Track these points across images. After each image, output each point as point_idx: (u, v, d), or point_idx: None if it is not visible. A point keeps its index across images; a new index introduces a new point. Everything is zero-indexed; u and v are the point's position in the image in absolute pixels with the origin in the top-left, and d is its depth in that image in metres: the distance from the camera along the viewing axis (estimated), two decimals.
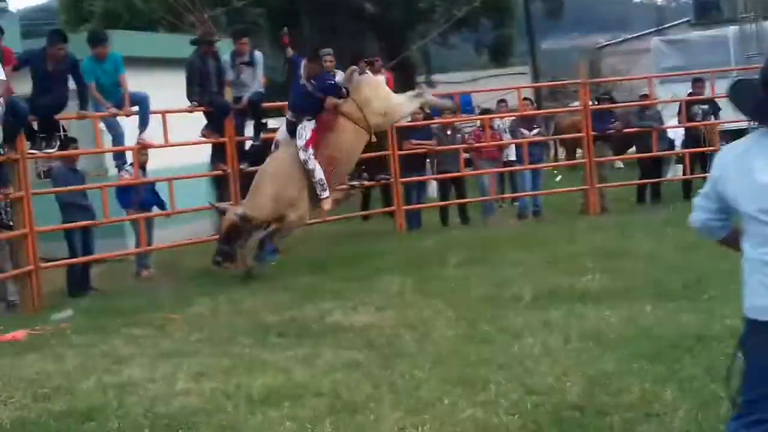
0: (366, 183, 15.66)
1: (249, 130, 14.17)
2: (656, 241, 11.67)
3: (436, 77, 40.56)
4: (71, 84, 11.78)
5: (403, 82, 31.97)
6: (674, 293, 8.66)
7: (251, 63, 13.39)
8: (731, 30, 23.60)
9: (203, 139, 13.35)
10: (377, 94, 12.70)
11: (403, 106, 13.20)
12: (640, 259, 10.55)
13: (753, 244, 3.93)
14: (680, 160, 17.78)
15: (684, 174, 16.89)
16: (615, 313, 8.05)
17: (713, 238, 4.36)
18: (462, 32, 38.68)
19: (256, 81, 13.45)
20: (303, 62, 12.27)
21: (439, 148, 15.61)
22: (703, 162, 16.76)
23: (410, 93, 13.59)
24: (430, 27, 35.89)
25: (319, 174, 11.87)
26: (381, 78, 13.35)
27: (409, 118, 15.50)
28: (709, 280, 9.05)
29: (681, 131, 17.38)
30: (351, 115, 12.31)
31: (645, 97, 17.36)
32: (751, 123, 3.87)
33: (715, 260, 9.92)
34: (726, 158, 3.98)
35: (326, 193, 11.97)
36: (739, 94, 3.99)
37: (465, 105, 22.69)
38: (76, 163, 12.64)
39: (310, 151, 11.85)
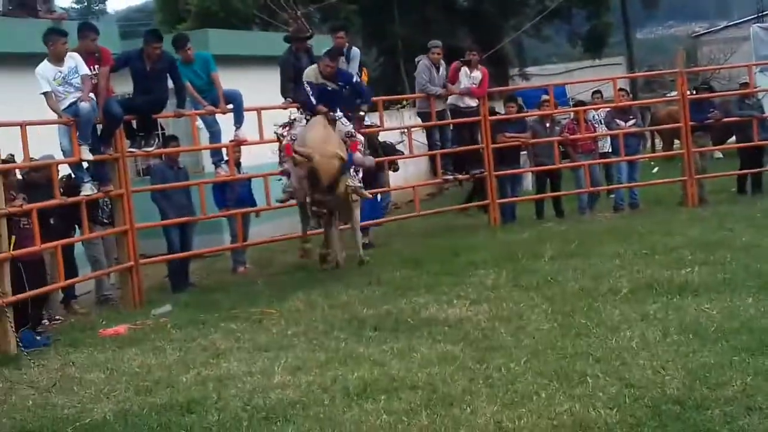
0: (461, 177, 15.63)
1: None
2: (757, 232, 11.42)
3: (530, 70, 40.28)
4: (170, 83, 11.98)
5: (497, 76, 31.89)
6: None
7: (347, 58, 13.39)
8: None
9: None
10: None
11: None
12: (740, 250, 10.33)
13: None
14: None
15: None
16: (715, 306, 7.92)
17: None
18: (555, 23, 38.36)
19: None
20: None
21: (533, 141, 15.49)
22: None
23: None
24: (523, 19, 35.68)
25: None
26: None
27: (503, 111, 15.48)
28: None
29: None
30: None
31: (745, 85, 16.97)
32: None
33: None
34: None
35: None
36: None
37: (559, 96, 22.44)
38: (178, 160, 12.86)
39: None
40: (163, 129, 13.94)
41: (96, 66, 10.85)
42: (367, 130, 13.51)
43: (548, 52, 54.31)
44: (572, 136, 15.77)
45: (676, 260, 10.07)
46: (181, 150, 13.30)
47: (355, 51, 13.65)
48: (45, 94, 10.31)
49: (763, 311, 7.60)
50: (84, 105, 10.36)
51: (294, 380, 6.91)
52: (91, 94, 10.59)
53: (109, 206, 11.76)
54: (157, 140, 12.16)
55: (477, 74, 14.88)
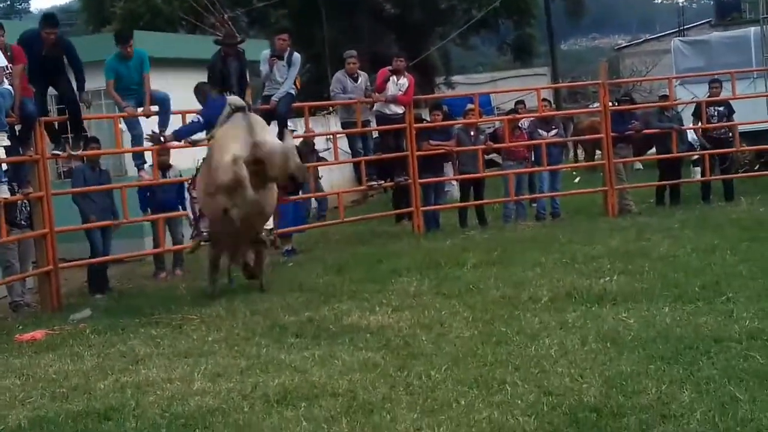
0: (385, 184, 15.68)
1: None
2: (674, 242, 11.62)
3: (456, 78, 40.54)
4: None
5: (423, 84, 32.03)
6: (692, 295, 8.60)
7: (288, 62, 13.33)
8: (753, 31, 23.45)
9: None
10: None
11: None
12: (657, 260, 10.50)
13: None
14: (698, 162, 17.73)
15: (703, 176, 16.81)
16: (632, 315, 8.03)
17: None
18: (482, 33, 38.69)
19: (288, 80, 13.32)
20: None
21: (458, 149, 15.58)
22: (721, 164, 16.72)
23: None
24: (450, 27, 35.90)
25: None
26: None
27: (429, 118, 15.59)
28: (728, 282, 9.00)
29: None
30: None
31: (665, 98, 17.28)
32: None
33: (734, 262, 9.96)
34: None
35: None
36: None
37: (485, 105, 22.63)
38: (99, 162, 12.71)
39: None
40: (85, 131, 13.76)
41: (8, 65, 10.62)
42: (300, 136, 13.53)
43: (474, 61, 54.76)
44: (498, 145, 15.91)
45: (595, 269, 10.20)
46: (104, 153, 13.14)
47: (296, 56, 13.51)
48: None
49: (678, 320, 7.73)
50: None
51: (214, 387, 6.85)
52: (6, 82, 10.40)
53: (28, 208, 11.55)
54: (82, 142, 12.02)
55: (404, 81, 14.90)
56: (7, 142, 10.58)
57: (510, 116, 16.42)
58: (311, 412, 6.07)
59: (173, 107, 12.62)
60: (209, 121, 10.99)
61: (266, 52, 13.47)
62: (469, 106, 16.36)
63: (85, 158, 12.56)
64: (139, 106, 12.29)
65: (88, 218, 12.13)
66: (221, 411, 6.27)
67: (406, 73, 15.16)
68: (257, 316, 9.35)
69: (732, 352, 6.65)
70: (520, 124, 16.19)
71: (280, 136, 12.81)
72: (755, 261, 9.96)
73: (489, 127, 19.17)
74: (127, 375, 7.43)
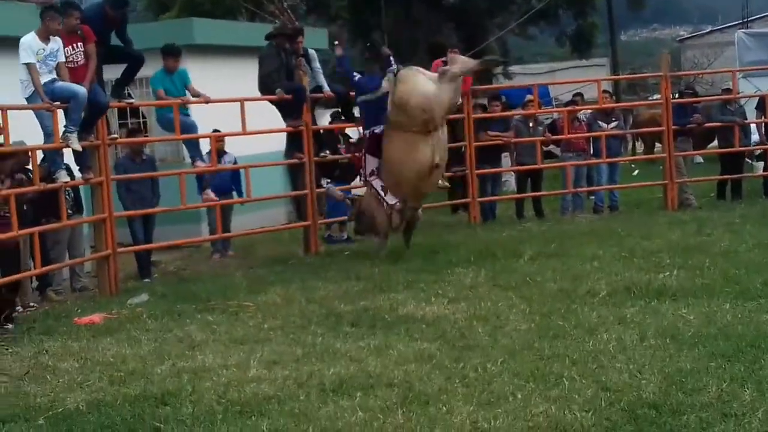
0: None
1: (321, 120, 14.42)
2: (735, 237, 11.46)
3: (514, 69, 40.32)
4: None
5: (481, 74, 31.81)
6: (753, 291, 8.48)
7: (308, 60, 13.50)
8: None
9: (278, 127, 13.40)
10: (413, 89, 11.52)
11: (440, 94, 11.56)
12: (718, 255, 10.35)
13: None
14: (762, 156, 17.46)
15: (765, 170, 16.55)
16: (692, 311, 7.93)
17: None
18: (541, 24, 38.41)
19: (319, 73, 13.66)
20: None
21: (516, 140, 15.48)
22: None
23: (435, 75, 11.86)
24: (509, 17, 35.68)
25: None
26: (413, 69, 12.05)
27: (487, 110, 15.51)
28: None
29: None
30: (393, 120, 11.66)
31: (728, 91, 17.03)
32: None
33: None
34: None
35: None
36: None
37: (543, 96, 22.47)
38: (142, 152, 12.83)
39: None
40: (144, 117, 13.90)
41: (78, 44, 10.64)
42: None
43: (533, 52, 54.42)
44: (556, 137, 15.81)
45: (654, 264, 10.08)
46: (159, 140, 13.24)
47: (312, 52, 13.80)
48: (28, 65, 10.12)
49: (740, 318, 7.61)
50: (80, 88, 10.26)
51: (269, 374, 6.88)
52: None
53: (72, 195, 11.66)
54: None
55: None
56: (79, 147, 10.63)
57: (569, 108, 16.29)
58: (367, 402, 6.06)
59: (231, 95, 12.67)
60: (360, 86, 12.19)
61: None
62: (528, 97, 16.25)
63: (124, 148, 12.62)
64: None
65: (127, 208, 12.24)
66: (277, 399, 6.29)
67: None
68: (313, 304, 9.37)
69: None
70: (579, 116, 16.06)
71: (347, 115, 13.13)
72: None
73: (547, 119, 19.04)
74: (183, 360, 7.48)
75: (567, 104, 17.28)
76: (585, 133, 15.85)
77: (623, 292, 8.87)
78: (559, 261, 10.69)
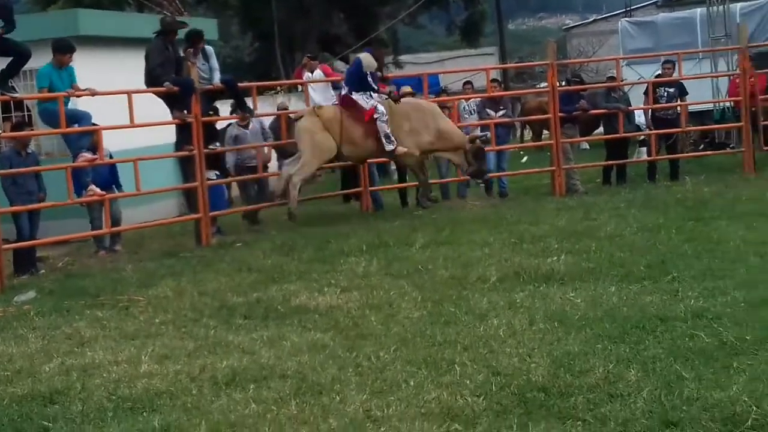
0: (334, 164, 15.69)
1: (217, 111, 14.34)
2: (621, 221, 11.70)
3: (404, 58, 40.52)
4: None
5: None
6: (638, 274, 8.69)
7: (205, 57, 13.55)
8: (698, 12, 23.69)
9: (169, 119, 13.27)
10: None
11: None
12: (604, 240, 10.56)
13: None
14: (645, 142, 17.90)
15: (649, 156, 16.98)
16: (579, 294, 8.09)
17: None
18: (432, 11, 38.68)
19: (216, 69, 13.76)
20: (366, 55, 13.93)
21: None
22: (667, 143, 16.91)
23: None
24: (400, 7, 35.84)
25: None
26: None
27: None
28: (673, 261, 9.10)
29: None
30: None
31: (612, 78, 17.41)
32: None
33: (679, 242, 10.07)
34: None
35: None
36: None
37: (433, 86, 22.62)
38: (27, 146, 12.55)
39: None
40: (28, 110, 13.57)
41: None
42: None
43: (423, 41, 54.77)
44: None
45: (543, 249, 10.25)
46: (37, 134, 13.00)
47: (208, 48, 13.86)
48: None
49: (625, 300, 7.80)
50: None
51: (161, 369, 6.80)
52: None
53: None
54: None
55: (318, 73, 16.43)
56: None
57: (456, 97, 16.47)
58: (260, 394, 6.04)
59: (117, 87, 12.47)
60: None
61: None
62: (405, 88, 16.58)
63: (9, 141, 12.37)
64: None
65: (13, 203, 11.97)
66: (169, 393, 6.22)
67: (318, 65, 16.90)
68: (205, 297, 9.28)
69: (677, 331, 6.71)
70: (459, 107, 16.25)
71: (241, 105, 13.26)
72: (699, 240, 10.08)
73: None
74: (72, 358, 7.34)
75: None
76: (475, 122, 16.03)
77: (513, 277, 8.99)
78: (450, 248, 10.78)
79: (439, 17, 41.34)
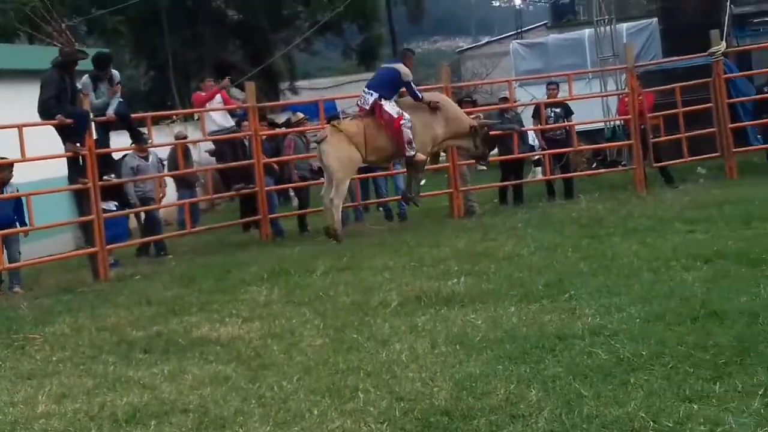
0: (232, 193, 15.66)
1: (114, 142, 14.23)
2: (518, 242, 11.84)
3: (300, 84, 40.53)
4: None
5: (268, 90, 31.83)
6: (537, 293, 8.77)
7: (111, 82, 13.50)
8: (587, 33, 24.24)
9: (62, 153, 13.05)
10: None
11: None
12: (503, 260, 10.68)
13: None
14: (540, 161, 18.20)
15: (545, 175, 17.26)
16: (480, 316, 8.14)
17: None
18: (326, 37, 38.79)
19: (116, 96, 13.69)
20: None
21: (294, 157, 15.82)
22: (559, 163, 17.23)
23: None
24: (295, 32, 35.89)
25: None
26: None
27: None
28: (570, 279, 9.22)
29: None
30: None
31: (504, 99, 17.67)
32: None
33: (576, 260, 10.23)
34: None
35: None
36: None
37: (330, 110, 22.65)
38: None
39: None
40: None
41: None
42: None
43: (319, 66, 54.83)
44: None
45: (443, 272, 10.31)
46: None
47: (116, 73, 14.00)
48: None
49: (524, 320, 7.88)
50: None
51: (59, 409, 6.65)
52: None
53: None
54: None
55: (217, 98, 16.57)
56: None
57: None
58: (161, 430, 5.96)
59: (8, 120, 12.24)
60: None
61: (86, 78, 13.74)
62: (300, 115, 16.78)
63: None
64: None
65: None
66: None
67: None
68: (104, 332, 9.11)
69: (576, 349, 6.79)
70: None
71: (136, 136, 13.24)
72: (595, 258, 10.25)
73: (314, 135, 19.36)
74: None
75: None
76: None
77: (414, 301, 9.01)
78: (351, 274, 10.79)
79: (334, 43, 41.47)
